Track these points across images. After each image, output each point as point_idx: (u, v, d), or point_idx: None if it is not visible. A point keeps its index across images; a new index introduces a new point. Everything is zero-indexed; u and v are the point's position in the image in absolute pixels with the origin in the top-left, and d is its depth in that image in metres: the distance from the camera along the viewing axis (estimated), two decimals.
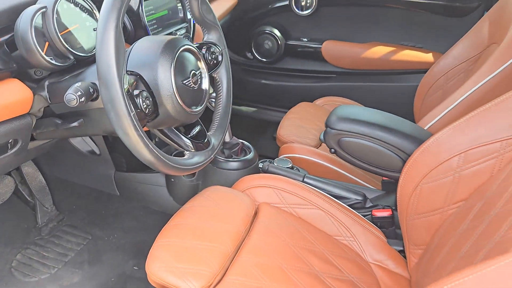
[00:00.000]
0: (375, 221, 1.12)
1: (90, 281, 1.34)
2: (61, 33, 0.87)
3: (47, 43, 0.85)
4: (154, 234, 0.93)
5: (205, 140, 0.95)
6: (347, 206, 1.12)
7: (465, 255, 0.78)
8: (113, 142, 1.48)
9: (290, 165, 1.27)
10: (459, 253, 0.80)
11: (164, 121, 0.84)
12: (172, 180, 1.44)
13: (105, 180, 1.59)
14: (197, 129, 0.96)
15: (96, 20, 0.96)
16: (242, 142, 1.36)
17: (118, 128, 0.70)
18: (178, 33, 1.28)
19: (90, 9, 0.94)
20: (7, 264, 1.38)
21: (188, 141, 0.91)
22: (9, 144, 0.90)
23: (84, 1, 0.93)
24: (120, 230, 1.54)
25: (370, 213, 1.14)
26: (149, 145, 0.74)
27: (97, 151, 1.47)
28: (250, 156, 1.32)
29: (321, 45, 1.96)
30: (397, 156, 1.08)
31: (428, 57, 1.77)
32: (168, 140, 0.90)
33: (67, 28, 0.89)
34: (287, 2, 1.96)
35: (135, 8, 1.14)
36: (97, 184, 1.64)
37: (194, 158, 0.88)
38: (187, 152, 0.89)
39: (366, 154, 1.12)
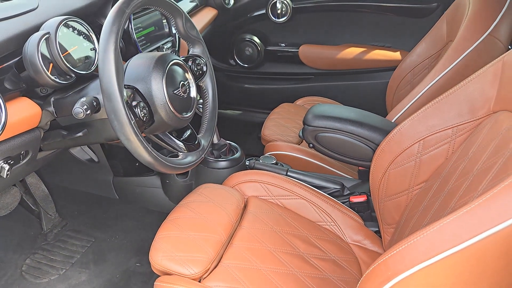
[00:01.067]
0: (352, 206, 1.23)
1: (97, 279, 1.43)
2: (63, 55, 0.97)
3: (51, 64, 0.95)
4: (153, 232, 1.02)
5: (196, 142, 1.06)
6: (327, 195, 1.23)
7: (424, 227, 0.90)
8: (110, 150, 1.57)
9: (275, 161, 1.38)
10: (421, 226, 0.92)
11: (159, 127, 0.95)
12: (167, 181, 1.54)
13: (104, 186, 1.67)
14: (188, 132, 1.07)
15: (92, 41, 1.06)
16: (229, 143, 1.46)
17: (121, 135, 0.81)
18: (165, 46, 1.39)
19: (86, 31, 1.05)
20: (17, 269, 1.46)
21: (181, 144, 1.02)
22: (21, 156, 1.00)
23: (82, 25, 1.04)
24: (121, 231, 1.63)
25: (348, 199, 1.25)
26: (148, 148, 0.85)
27: (96, 159, 1.56)
28: (237, 155, 1.42)
29: (298, 49, 2.07)
30: (368, 147, 1.20)
31: (396, 55, 1.90)
32: (163, 143, 1.01)
33: (67, 50, 0.99)
34: (264, 11, 2.08)
35: (125, 26, 1.24)
36: (97, 190, 1.72)
37: (187, 158, 0.99)
38: (181, 153, 1.00)
39: (340, 147, 1.23)
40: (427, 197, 0.96)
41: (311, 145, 1.28)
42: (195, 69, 1.09)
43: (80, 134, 0.99)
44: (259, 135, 1.69)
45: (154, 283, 0.94)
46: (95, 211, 1.73)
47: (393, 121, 1.32)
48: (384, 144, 1.06)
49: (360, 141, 1.20)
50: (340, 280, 1.02)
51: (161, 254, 0.97)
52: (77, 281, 1.43)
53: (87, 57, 1.05)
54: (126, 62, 0.96)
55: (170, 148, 1.01)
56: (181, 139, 1.04)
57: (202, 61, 1.11)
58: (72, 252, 1.54)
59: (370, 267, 0.69)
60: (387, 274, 0.65)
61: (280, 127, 1.65)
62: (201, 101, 1.18)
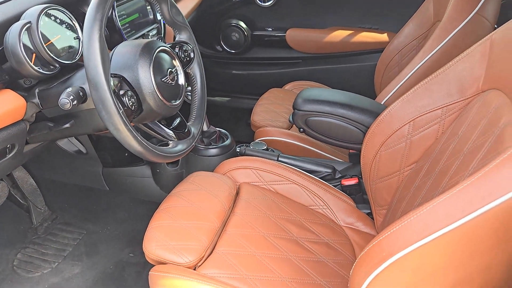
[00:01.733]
0: (344, 189, 1.24)
1: (90, 271, 1.43)
2: (45, 44, 0.94)
3: (34, 55, 0.93)
4: (145, 222, 1.02)
5: (186, 130, 1.05)
6: (319, 179, 1.24)
7: (417, 208, 0.91)
8: (98, 141, 1.55)
9: (265, 147, 1.37)
10: (413, 207, 0.93)
11: (148, 116, 0.94)
12: (158, 170, 1.53)
13: (93, 177, 1.65)
14: (177, 120, 1.06)
15: (75, 30, 1.04)
16: (219, 130, 1.46)
17: (110, 125, 0.80)
18: (150, 34, 1.36)
19: (69, 20, 1.02)
20: (9, 264, 1.45)
21: (170, 132, 1.01)
22: (7, 149, 0.98)
23: (64, 14, 1.01)
24: (113, 222, 1.62)
25: (339, 183, 1.26)
26: (138, 137, 0.84)
27: (84, 150, 1.53)
28: (227, 142, 1.42)
29: (285, 33, 2.05)
30: (358, 130, 1.20)
31: (384, 37, 1.89)
32: (152, 132, 0.99)
33: (50, 40, 0.97)
34: None
35: (109, 14, 1.21)
36: (86, 182, 1.70)
37: (177, 147, 0.98)
38: (171, 142, 0.99)
39: (331, 130, 1.24)
40: (418, 178, 0.97)
41: (301, 129, 1.28)
42: (182, 56, 1.07)
43: (67, 125, 0.97)
44: (248, 121, 1.68)
45: (149, 273, 0.94)
46: (85, 203, 1.72)
47: (382, 103, 1.33)
48: (375, 126, 1.06)
49: (350, 124, 1.20)
50: (334, 262, 1.03)
51: (154, 244, 0.97)
52: (70, 273, 1.42)
53: (70, 47, 1.02)
54: (111, 50, 0.94)
55: (160, 137, 1.00)
56: (171, 127, 1.03)
57: (189, 48, 1.09)
58: (64, 245, 1.53)
59: (365, 249, 0.70)
60: (382, 255, 0.65)
61: (270, 112, 1.65)
62: (189, 88, 1.17)
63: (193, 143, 1.04)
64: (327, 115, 1.21)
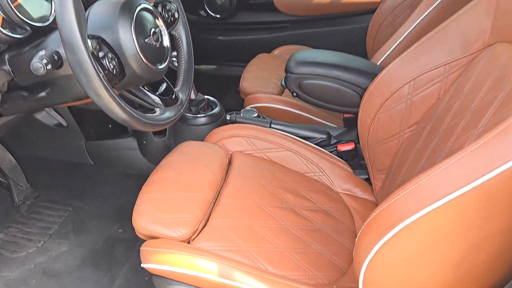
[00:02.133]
0: (340, 155, 1.20)
1: (78, 249, 1.38)
2: (13, 5, 0.86)
3: (1, 17, 0.85)
4: (133, 196, 0.97)
5: (173, 96, 0.99)
6: (314, 145, 1.19)
7: (421, 170, 0.88)
8: (78, 113, 1.48)
9: (256, 114, 1.32)
10: (416, 169, 0.89)
11: (131, 81, 0.86)
12: (144, 142, 1.47)
13: (76, 151, 1.60)
14: (163, 86, 0.99)
15: None
16: (207, 98, 1.40)
17: (90, 90, 0.73)
18: None
19: None
20: None
21: (157, 98, 0.94)
22: None
23: None
24: (100, 198, 1.57)
25: (335, 148, 1.22)
26: (122, 103, 0.77)
27: (64, 123, 1.46)
28: (217, 110, 1.36)
29: None
30: (354, 92, 1.15)
31: None
32: (137, 99, 0.93)
33: (17, 0, 0.88)
34: None
35: None
36: (69, 156, 1.64)
37: (165, 114, 0.92)
38: (158, 109, 0.93)
39: (326, 94, 1.18)
40: (420, 140, 0.93)
41: (294, 94, 1.22)
42: (166, 16, 0.99)
43: (43, 94, 0.89)
44: (237, 89, 1.62)
45: (140, 248, 0.89)
46: (69, 178, 1.65)
47: (378, 64, 1.28)
48: (373, 88, 1.02)
49: (346, 87, 1.15)
50: (332, 230, 1.00)
51: (145, 218, 0.92)
52: (57, 252, 1.37)
53: (42, 7, 0.93)
54: (86, 10, 0.85)
55: (145, 103, 0.94)
56: (157, 93, 0.96)
57: (173, 7, 1.01)
58: (49, 223, 1.47)
59: (371, 215, 0.66)
60: (391, 221, 0.62)
61: (259, 79, 1.59)
62: (174, 53, 1.09)
63: (182, 110, 0.98)
64: (321, 78, 1.16)
